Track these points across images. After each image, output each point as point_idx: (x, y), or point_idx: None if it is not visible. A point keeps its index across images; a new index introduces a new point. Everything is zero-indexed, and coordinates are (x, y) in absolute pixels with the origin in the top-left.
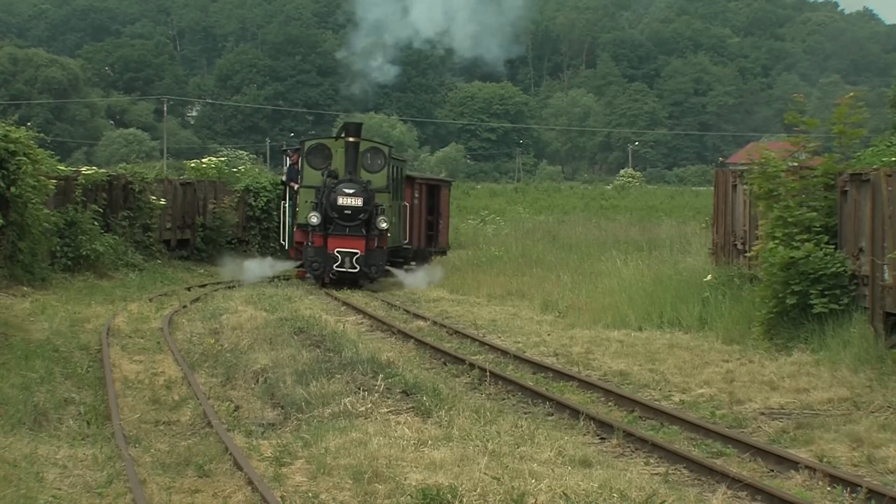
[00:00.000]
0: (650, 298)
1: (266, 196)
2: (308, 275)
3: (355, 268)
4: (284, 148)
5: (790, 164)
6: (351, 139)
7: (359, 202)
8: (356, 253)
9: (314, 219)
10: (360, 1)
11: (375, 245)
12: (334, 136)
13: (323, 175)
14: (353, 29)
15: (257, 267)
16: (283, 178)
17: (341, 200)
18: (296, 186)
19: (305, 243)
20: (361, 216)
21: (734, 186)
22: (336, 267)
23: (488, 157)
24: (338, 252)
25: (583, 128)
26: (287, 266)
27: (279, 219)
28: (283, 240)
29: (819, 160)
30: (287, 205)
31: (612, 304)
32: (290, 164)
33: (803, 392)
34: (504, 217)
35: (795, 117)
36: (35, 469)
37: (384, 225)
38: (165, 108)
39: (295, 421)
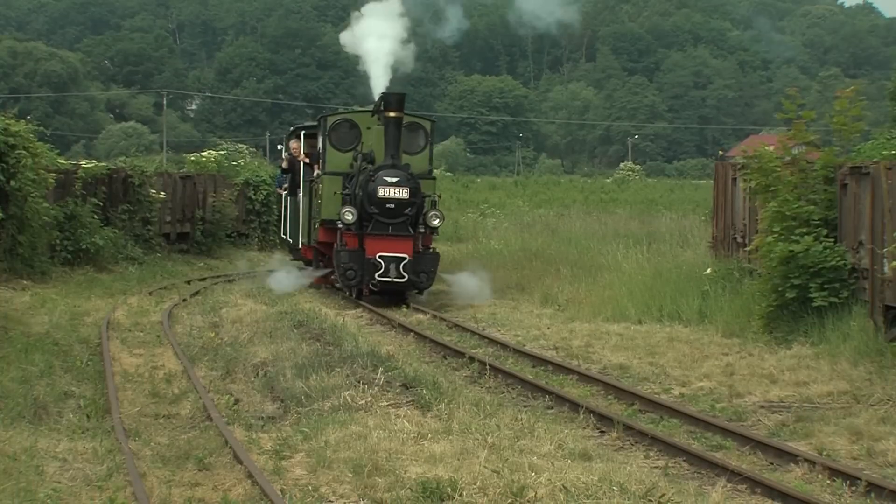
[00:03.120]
0: (650, 292)
1: (266, 189)
2: (338, 284)
3: (402, 276)
4: (294, 127)
5: (786, 157)
6: (392, 114)
7: (404, 193)
8: (403, 258)
9: (349, 215)
10: None
11: (423, 247)
12: (370, 110)
13: (355, 159)
14: None
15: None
16: (287, 163)
17: (382, 192)
18: (316, 172)
19: (336, 245)
20: (408, 211)
21: (734, 180)
22: (378, 276)
23: (488, 150)
24: (380, 257)
25: (582, 121)
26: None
27: (279, 211)
28: (284, 233)
29: (818, 154)
30: (301, 195)
31: (612, 298)
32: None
33: (803, 385)
34: (504, 210)
35: (791, 111)
36: (35, 462)
37: (436, 222)
38: (165, 102)
39: (295, 414)
